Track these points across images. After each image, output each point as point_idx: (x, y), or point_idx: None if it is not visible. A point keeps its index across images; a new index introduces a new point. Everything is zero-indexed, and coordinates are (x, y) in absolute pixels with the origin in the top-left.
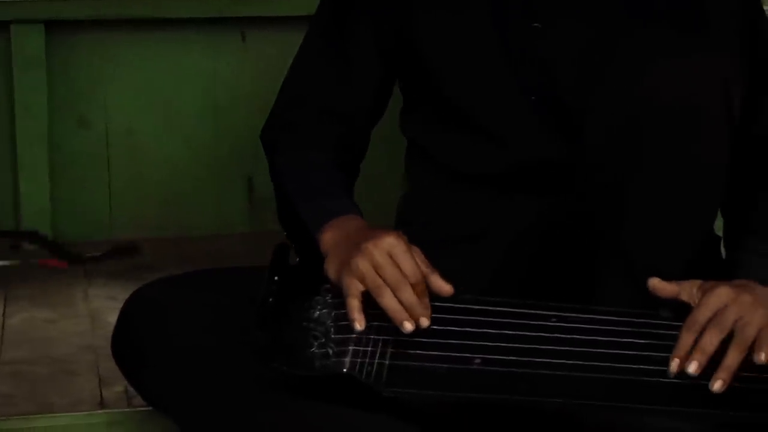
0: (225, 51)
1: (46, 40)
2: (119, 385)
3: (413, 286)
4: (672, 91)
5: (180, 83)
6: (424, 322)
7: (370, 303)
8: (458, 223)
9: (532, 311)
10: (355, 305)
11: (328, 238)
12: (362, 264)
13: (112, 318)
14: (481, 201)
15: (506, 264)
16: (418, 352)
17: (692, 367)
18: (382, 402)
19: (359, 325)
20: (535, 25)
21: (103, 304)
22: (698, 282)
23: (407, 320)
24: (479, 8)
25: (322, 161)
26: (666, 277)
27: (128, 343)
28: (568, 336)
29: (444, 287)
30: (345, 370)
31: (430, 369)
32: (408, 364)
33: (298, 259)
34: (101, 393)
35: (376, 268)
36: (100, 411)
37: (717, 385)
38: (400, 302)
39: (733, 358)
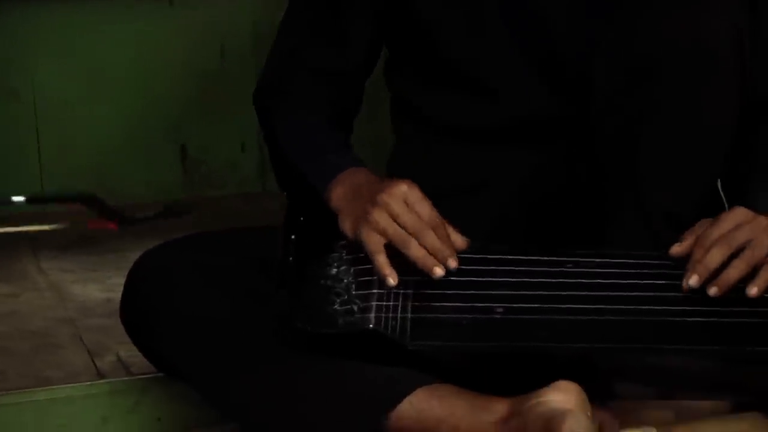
0: (152, 16)
1: None
2: (111, 355)
3: (434, 230)
4: (686, 36)
5: (107, 50)
6: (452, 263)
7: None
8: (454, 176)
9: (547, 258)
10: (383, 261)
11: (337, 194)
12: (380, 216)
13: (77, 290)
14: (477, 154)
15: (508, 214)
16: (439, 304)
17: (692, 280)
18: (405, 355)
19: (393, 280)
20: None
21: (62, 277)
22: (709, 219)
23: (437, 266)
24: None
25: (319, 121)
26: (677, 219)
27: (137, 309)
28: (588, 281)
29: (458, 241)
30: (371, 326)
31: (453, 320)
32: (430, 316)
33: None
34: (95, 364)
35: (395, 218)
36: (101, 381)
37: (711, 291)
38: (425, 248)
39: (734, 271)
